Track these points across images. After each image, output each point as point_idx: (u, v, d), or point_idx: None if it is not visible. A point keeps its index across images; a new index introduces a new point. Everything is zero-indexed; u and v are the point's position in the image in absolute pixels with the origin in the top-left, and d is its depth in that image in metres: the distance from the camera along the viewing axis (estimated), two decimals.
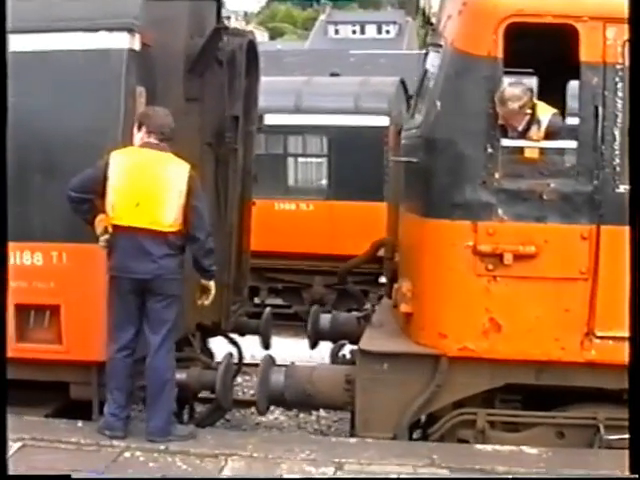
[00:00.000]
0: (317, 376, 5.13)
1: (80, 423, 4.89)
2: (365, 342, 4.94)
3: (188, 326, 5.72)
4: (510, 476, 4.27)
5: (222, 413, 6.13)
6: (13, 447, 4.45)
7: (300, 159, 11.34)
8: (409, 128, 5.26)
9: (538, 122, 4.71)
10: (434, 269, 4.70)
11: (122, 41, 4.88)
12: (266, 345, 6.64)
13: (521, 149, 4.68)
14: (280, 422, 7.27)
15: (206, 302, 4.90)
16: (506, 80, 4.74)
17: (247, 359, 7.08)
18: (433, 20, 5.18)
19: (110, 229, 4.61)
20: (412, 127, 5.17)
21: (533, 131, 4.70)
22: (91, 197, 4.62)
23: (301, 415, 7.22)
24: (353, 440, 4.76)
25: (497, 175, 4.58)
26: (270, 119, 9.83)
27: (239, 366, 6.62)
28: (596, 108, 4.51)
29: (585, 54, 4.54)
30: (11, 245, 4.67)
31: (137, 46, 4.92)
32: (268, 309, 6.94)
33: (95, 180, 4.59)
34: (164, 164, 4.63)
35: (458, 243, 4.60)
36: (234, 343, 6.76)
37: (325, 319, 6.39)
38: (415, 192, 5.01)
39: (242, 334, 6.73)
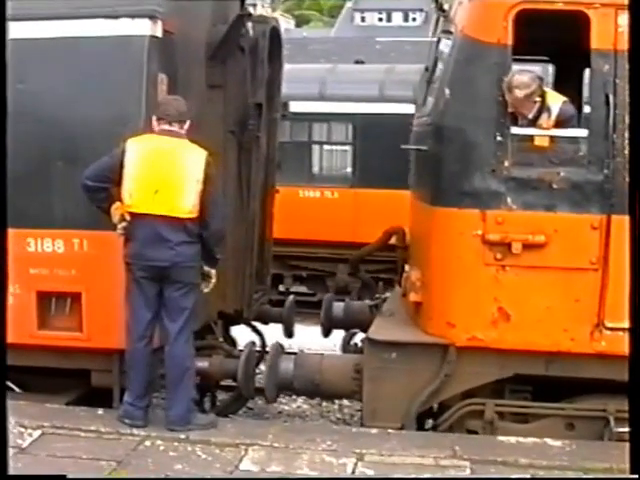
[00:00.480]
0: (326, 365, 5.14)
1: (101, 411, 4.92)
2: (373, 331, 4.94)
3: (210, 314, 5.74)
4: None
5: (244, 402, 6.17)
6: (33, 435, 4.50)
7: (325, 147, 11.32)
8: (420, 116, 5.25)
9: (548, 110, 4.65)
10: (442, 258, 4.69)
11: (144, 28, 4.85)
12: (289, 333, 6.64)
13: (531, 137, 4.62)
14: (303, 410, 7.28)
15: (205, 289, 4.86)
16: (515, 68, 4.69)
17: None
18: (445, 7, 5.10)
19: (127, 217, 4.60)
20: (423, 115, 5.15)
21: (543, 119, 4.64)
22: (107, 186, 4.60)
23: (324, 404, 7.23)
24: (375, 431, 4.73)
25: (506, 163, 4.55)
26: (295, 106, 9.87)
27: (262, 354, 6.61)
28: (607, 96, 4.45)
29: (596, 41, 4.48)
30: (32, 232, 4.91)
31: (159, 33, 4.89)
32: (291, 297, 6.94)
33: (111, 168, 4.58)
34: (182, 151, 4.61)
35: (466, 232, 4.57)
36: (257, 331, 6.77)
37: (338, 307, 6.39)
38: (424, 180, 5.00)
39: (265, 322, 6.73)
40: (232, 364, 5.30)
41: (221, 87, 5.70)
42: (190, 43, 5.34)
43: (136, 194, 4.56)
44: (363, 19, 52.01)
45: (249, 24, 5.80)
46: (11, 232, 4.56)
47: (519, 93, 4.53)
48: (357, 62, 12.02)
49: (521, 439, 4.58)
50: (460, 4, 4.82)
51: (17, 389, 5.32)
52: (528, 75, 4.64)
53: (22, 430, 4.54)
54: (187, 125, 4.68)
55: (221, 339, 6.11)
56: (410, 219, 5.42)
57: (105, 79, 4.88)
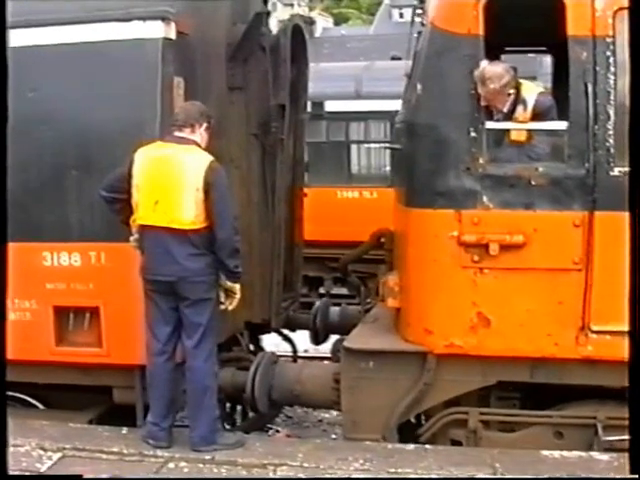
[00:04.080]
0: (306, 375, 5.10)
1: (125, 430, 4.81)
2: (351, 339, 4.87)
3: (236, 325, 5.71)
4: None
5: (271, 415, 6.05)
6: (53, 458, 4.39)
7: (363, 146, 11.21)
8: (400, 113, 5.16)
9: (524, 102, 4.49)
10: (418, 261, 4.57)
11: (156, 30, 4.79)
12: (316, 340, 6.56)
13: (507, 132, 4.48)
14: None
15: (230, 307, 4.64)
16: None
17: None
18: None
19: (138, 229, 4.55)
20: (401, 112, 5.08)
21: (519, 112, 4.48)
22: (122, 197, 4.52)
23: None
24: (410, 447, 4.59)
25: (481, 160, 4.40)
26: (331, 106, 9.82)
27: (294, 361, 6.65)
28: (586, 85, 4.25)
29: (572, 27, 4.27)
30: (47, 246, 4.87)
31: (173, 35, 4.83)
32: (318, 303, 6.80)
33: (122, 178, 4.50)
34: (182, 157, 4.43)
35: (442, 233, 4.44)
36: (287, 339, 6.76)
37: (334, 312, 6.33)
38: (400, 180, 4.89)
39: (292, 329, 6.68)
40: (244, 376, 5.17)
41: (242, 89, 5.64)
42: (208, 44, 5.29)
43: (141, 205, 4.49)
44: (401, 15, 51.08)
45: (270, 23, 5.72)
46: (26, 246, 4.74)
47: (492, 85, 4.37)
48: (393, 58, 11.85)
49: (565, 453, 4.36)
50: None
51: (40, 406, 5.39)
52: (501, 66, 4.49)
53: (42, 453, 4.44)
54: (202, 128, 4.54)
55: (251, 348, 6.12)
56: (393, 222, 5.32)
57: (119, 84, 4.83)
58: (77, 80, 4.88)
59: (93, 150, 4.87)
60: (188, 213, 4.40)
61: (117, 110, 4.82)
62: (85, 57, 4.87)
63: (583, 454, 4.33)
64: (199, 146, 4.56)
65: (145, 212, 4.47)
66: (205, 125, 4.56)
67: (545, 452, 4.37)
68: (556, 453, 4.35)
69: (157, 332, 4.55)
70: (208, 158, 4.47)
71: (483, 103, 4.41)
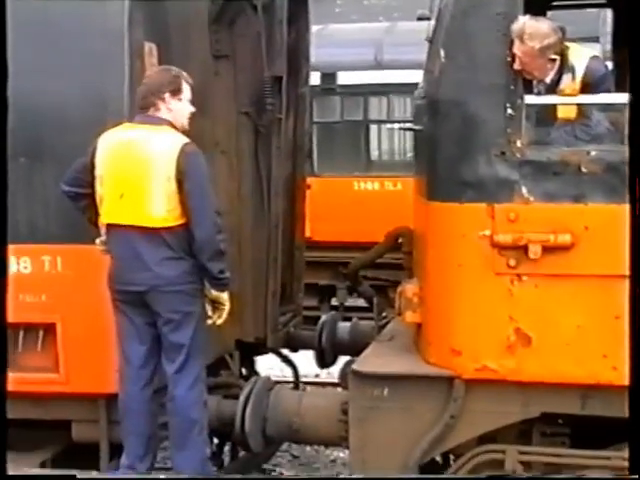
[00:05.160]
0: (307, 405, 5.11)
1: (80, 474, 4.68)
2: (361, 361, 4.88)
3: (225, 344, 5.78)
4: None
5: (266, 454, 6.10)
6: None
7: (384, 126, 11.17)
8: (421, 86, 5.19)
9: (572, 70, 4.50)
10: (442, 266, 4.57)
11: None
12: (322, 363, 6.60)
13: (551, 107, 4.47)
14: None
15: (218, 321, 4.71)
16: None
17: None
18: None
19: (103, 228, 4.59)
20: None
21: (565, 82, 4.49)
22: (86, 191, 4.58)
23: None
24: None
25: (519, 143, 4.39)
26: (345, 78, 9.84)
27: (295, 389, 6.69)
28: None
29: None
30: None
31: None
32: (324, 317, 6.86)
33: (85, 169, 4.56)
34: (149, 141, 4.46)
35: (470, 232, 4.44)
36: (288, 361, 6.86)
37: (344, 329, 6.39)
38: (421, 168, 4.92)
39: (294, 349, 6.76)
40: (232, 406, 5.16)
41: (229, 57, 5.73)
42: (187, 1, 5.34)
43: (105, 200, 4.54)
44: None
45: None
46: None
47: (532, 44, 4.34)
48: (420, 19, 11.85)
49: None
50: None
51: None
52: (547, 23, 4.49)
53: None
54: (169, 98, 4.52)
55: (243, 372, 6.22)
56: (413, 218, 5.36)
57: (76, 52, 4.83)
58: (24, 48, 4.80)
59: (45, 133, 4.89)
60: (158, 208, 4.42)
61: (74, 85, 4.84)
62: (32, 19, 4.83)
63: None
64: (173, 125, 4.57)
65: (110, 208, 4.51)
66: (168, 94, 4.53)
67: None
68: None
69: (130, 353, 4.58)
70: (181, 140, 4.48)
71: (517, 67, 4.39)
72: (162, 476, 4.29)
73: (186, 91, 4.62)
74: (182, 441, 4.55)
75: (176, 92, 4.58)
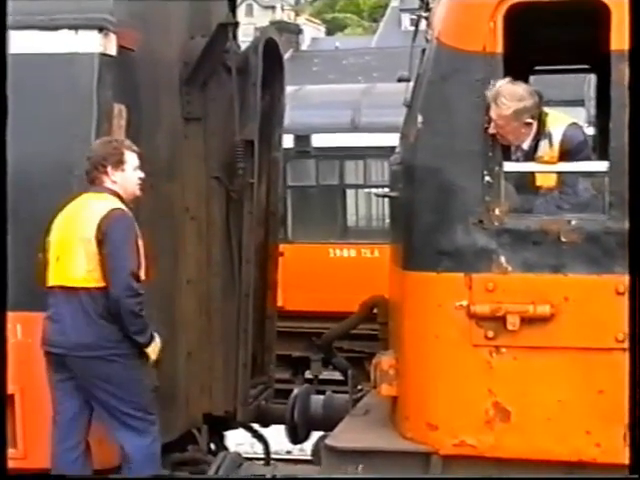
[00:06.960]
0: None
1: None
2: (336, 436, 4.88)
3: (192, 418, 5.79)
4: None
5: None
6: None
7: (361, 191, 11.31)
8: (397, 152, 5.25)
9: (548, 137, 4.58)
10: (418, 338, 4.60)
11: (91, 43, 4.83)
12: (294, 439, 6.56)
13: (530, 176, 4.56)
14: None
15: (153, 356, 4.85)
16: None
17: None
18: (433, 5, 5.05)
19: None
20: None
21: (543, 149, 4.57)
22: None
23: None
24: None
25: (498, 211, 4.46)
26: (320, 140, 9.94)
27: (266, 463, 6.63)
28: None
29: (618, 41, 4.32)
30: None
31: (113, 50, 4.91)
32: (296, 390, 6.78)
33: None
34: (85, 207, 4.71)
35: (447, 303, 4.49)
36: (258, 436, 6.80)
37: (317, 403, 6.36)
38: (397, 236, 4.97)
39: (265, 424, 6.72)
40: None
41: (201, 120, 5.78)
42: (158, 62, 5.40)
43: (48, 263, 4.76)
44: (413, 22, 51.85)
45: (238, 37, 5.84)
46: None
47: (507, 106, 4.41)
48: (400, 80, 12.01)
49: None
50: (438, 2, 4.78)
51: None
52: (522, 87, 4.56)
53: None
54: (112, 171, 4.67)
55: (212, 448, 6.16)
56: (389, 287, 5.38)
57: (43, 112, 4.87)
58: None
59: (9, 197, 4.83)
60: (79, 268, 4.66)
61: (39, 146, 4.89)
62: None
63: None
64: (116, 193, 4.75)
65: (49, 271, 4.74)
66: (110, 167, 4.70)
67: None
68: None
69: (61, 412, 4.71)
70: (111, 205, 4.68)
71: (491, 130, 4.45)
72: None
73: (130, 160, 4.79)
74: None
75: (118, 164, 4.75)
